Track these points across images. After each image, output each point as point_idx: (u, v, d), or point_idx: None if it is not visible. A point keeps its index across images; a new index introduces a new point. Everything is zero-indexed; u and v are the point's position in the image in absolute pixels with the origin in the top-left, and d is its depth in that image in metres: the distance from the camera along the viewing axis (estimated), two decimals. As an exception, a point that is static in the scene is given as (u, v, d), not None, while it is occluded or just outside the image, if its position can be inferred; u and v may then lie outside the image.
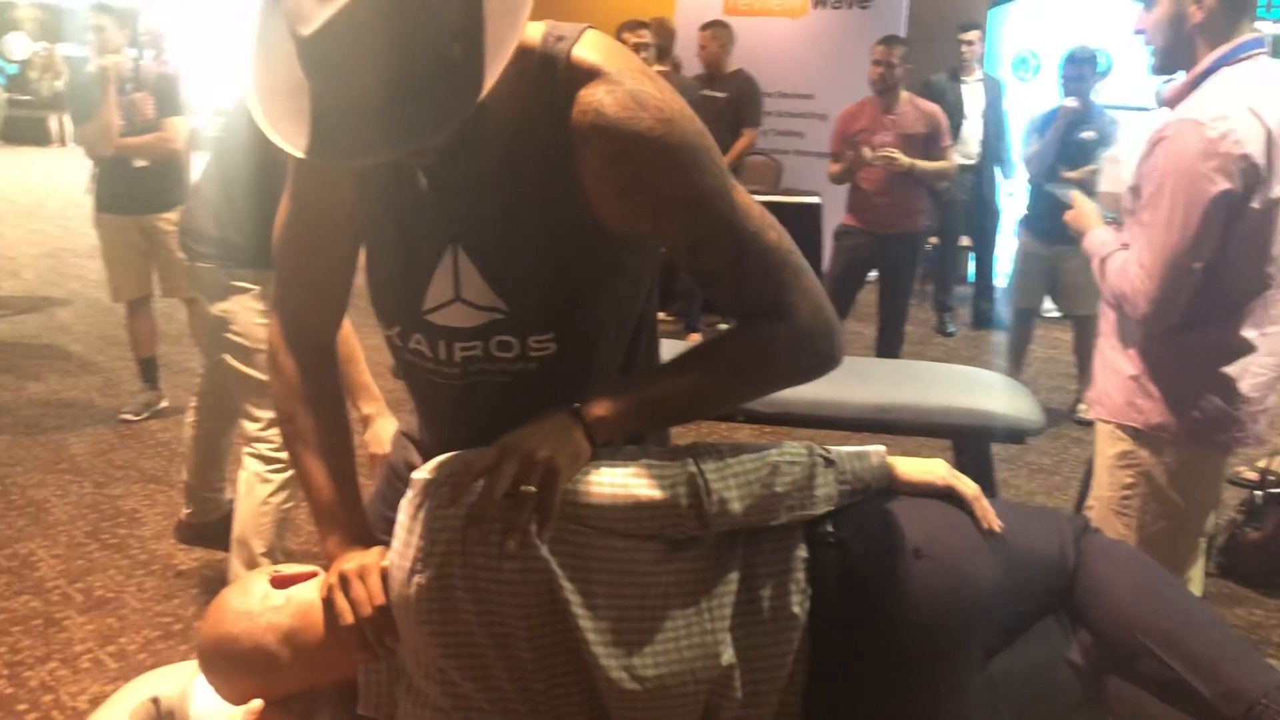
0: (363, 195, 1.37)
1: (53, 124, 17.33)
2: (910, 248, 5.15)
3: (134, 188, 4.56)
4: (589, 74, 1.21)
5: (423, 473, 1.25)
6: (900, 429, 3.07)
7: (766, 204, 1.32)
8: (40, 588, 3.27)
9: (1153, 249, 2.05)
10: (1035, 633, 1.43)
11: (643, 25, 5.67)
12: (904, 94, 5.10)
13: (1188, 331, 2.11)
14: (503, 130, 1.22)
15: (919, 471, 1.43)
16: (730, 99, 6.26)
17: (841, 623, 1.29)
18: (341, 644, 1.28)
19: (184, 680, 1.53)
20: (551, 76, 1.22)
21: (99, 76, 4.42)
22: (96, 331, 6.29)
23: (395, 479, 1.63)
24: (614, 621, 1.22)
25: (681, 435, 1.61)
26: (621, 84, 1.21)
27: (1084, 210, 2.43)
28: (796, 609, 1.28)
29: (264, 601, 1.34)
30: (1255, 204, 2.01)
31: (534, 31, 1.23)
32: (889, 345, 5.20)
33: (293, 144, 1.11)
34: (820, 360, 1.35)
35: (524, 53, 1.19)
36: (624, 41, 5.41)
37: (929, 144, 5.01)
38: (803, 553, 1.30)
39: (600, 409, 1.27)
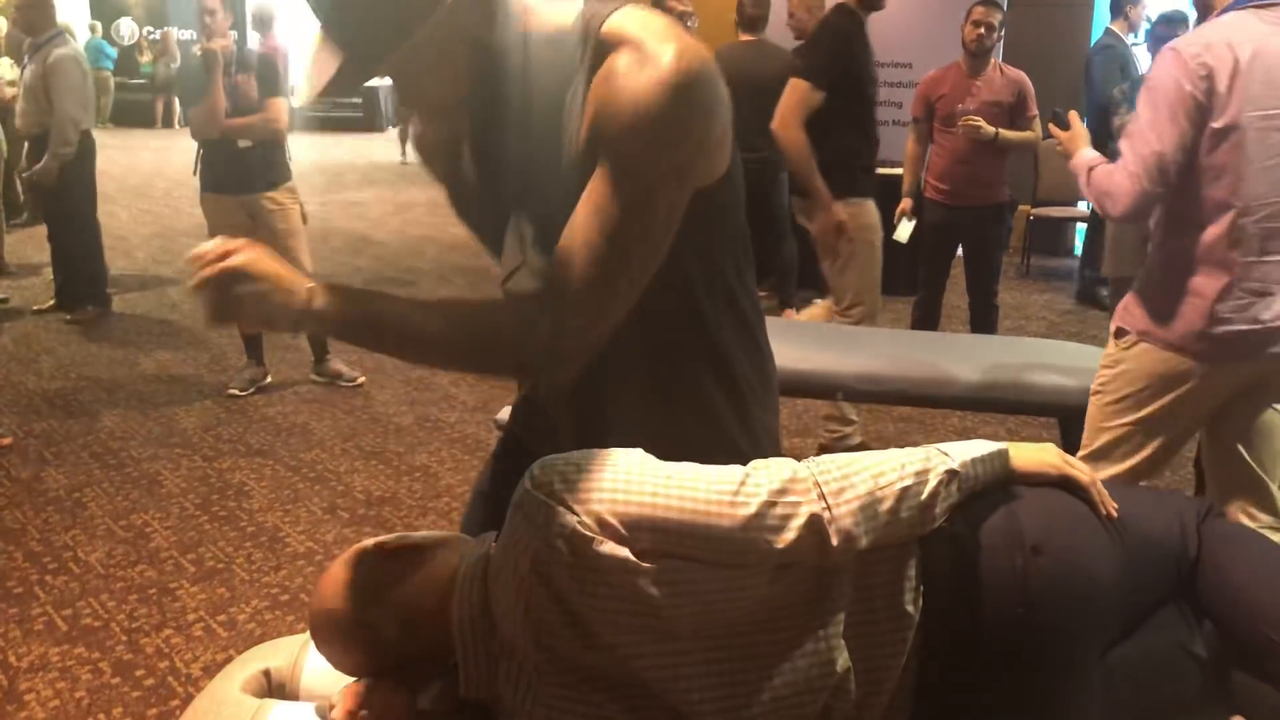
0: (453, 180, 1.43)
1: (158, 106, 17.89)
2: (993, 220, 4.97)
3: (238, 168, 4.67)
4: (616, 43, 1.21)
5: (534, 486, 1.23)
6: (1004, 407, 3.00)
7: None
8: (155, 558, 3.39)
9: (1135, 149, 2.29)
10: (1155, 623, 1.37)
11: None
12: (992, 60, 4.94)
13: (1172, 240, 2.35)
14: (550, 106, 1.26)
15: (1033, 460, 1.37)
16: None
17: (955, 620, 1.25)
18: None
19: (294, 653, 1.57)
20: (586, 52, 1.24)
21: (206, 60, 4.53)
22: (204, 309, 6.48)
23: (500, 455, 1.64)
24: (723, 650, 1.21)
25: (786, 423, 1.58)
26: (642, 46, 1.19)
27: (1077, 133, 2.60)
28: (910, 606, 1.24)
29: (370, 575, 1.35)
30: (1216, 123, 2.23)
31: (569, 13, 1.27)
32: (982, 322, 5.06)
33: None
34: (543, 366, 1.30)
35: (562, 34, 1.26)
36: (669, 10, 5.30)
37: (1015, 113, 4.85)
38: (915, 548, 1.26)
39: (333, 300, 1.24)
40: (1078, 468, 1.37)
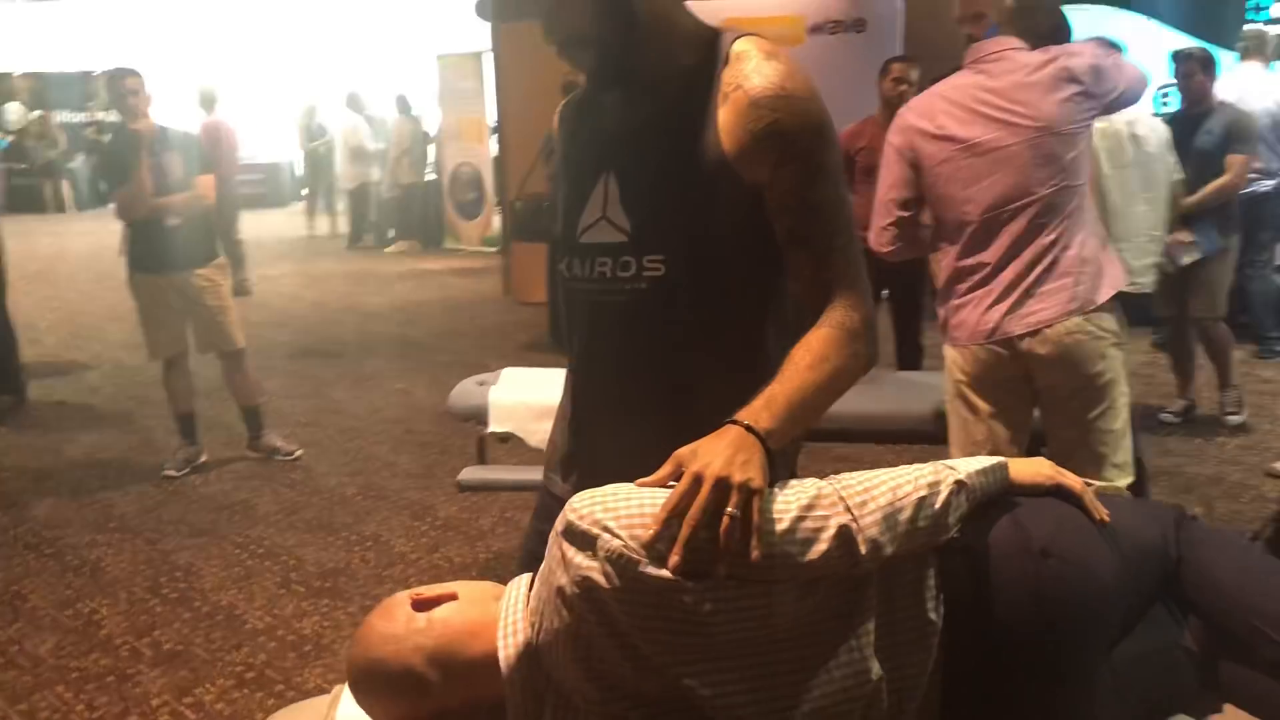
0: (561, 141, 1.66)
1: (47, 191, 17.42)
2: (917, 264, 5.11)
3: (167, 246, 4.63)
4: (751, 48, 1.46)
5: (576, 517, 1.28)
6: (939, 439, 3.13)
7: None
8: (108, 645, 3.30)
9: (875, 198, 2.85)
10: (1148, 622, 1.46)
11: None
12: None
13: (944, 258, 2.81)
14: (670, 83, 1.48)
15: (1028, 472, 1.47)
16: None
17: (975, 626, 1.33)
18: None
19: (322, 713, 1.57)
20: (718, 49, 1.47)
21: (130, 141, 4.50)
22: (125, 391, 6.33)
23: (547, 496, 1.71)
24: (765, 665, 1.26)
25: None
26: (779, 57, 1.45)
27: None
28: (933, 614, 1.31)
29: (408, 625, 1.36)
30: (927, 162, 2.73)
31: (710, 24, 1.52)
32: (909, 360, 5.22)
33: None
34: (874, 353, 1.49)
35: (700, 30, 1.50)
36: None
37: None
38: (933, 560, 1.34)
39: (766, 419, 1.33)
40: (1069, 477, 1.47)
